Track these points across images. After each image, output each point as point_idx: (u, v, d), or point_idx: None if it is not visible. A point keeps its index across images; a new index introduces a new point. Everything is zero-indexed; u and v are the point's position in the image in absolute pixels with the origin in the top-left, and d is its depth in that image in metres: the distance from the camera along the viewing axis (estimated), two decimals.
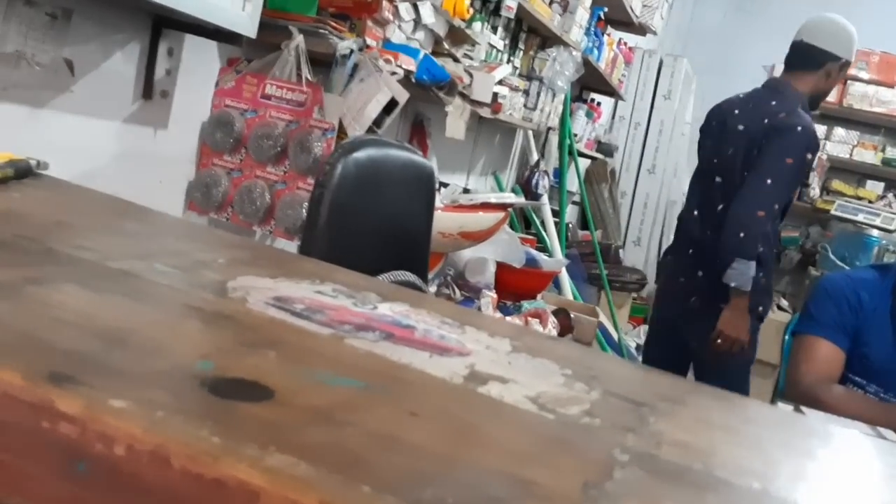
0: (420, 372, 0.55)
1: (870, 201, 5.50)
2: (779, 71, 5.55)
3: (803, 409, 1.63)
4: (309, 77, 1.74)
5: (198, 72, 1.78)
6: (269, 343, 0.53)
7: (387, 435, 0.43)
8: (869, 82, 5.42)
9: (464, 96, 2.50)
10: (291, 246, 1.86)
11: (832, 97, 5.51)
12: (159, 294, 0.58)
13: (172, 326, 0.53)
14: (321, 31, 1.75)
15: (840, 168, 5.68)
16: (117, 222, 0.80)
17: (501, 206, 2.55)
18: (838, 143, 5.64)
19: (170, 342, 0.49)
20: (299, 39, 1.72)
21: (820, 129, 5.64)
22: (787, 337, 2.34)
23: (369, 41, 1.90)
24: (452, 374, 0.56)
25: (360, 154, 1.33)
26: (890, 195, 5.56)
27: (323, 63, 1.80)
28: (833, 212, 5.21)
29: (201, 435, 0.37)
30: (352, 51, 1.78)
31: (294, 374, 0.48)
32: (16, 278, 0.53)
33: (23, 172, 0.83)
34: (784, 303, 5.28)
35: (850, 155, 5.63)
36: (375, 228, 1.45)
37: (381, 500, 0.35)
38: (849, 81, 5.46)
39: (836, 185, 5.70)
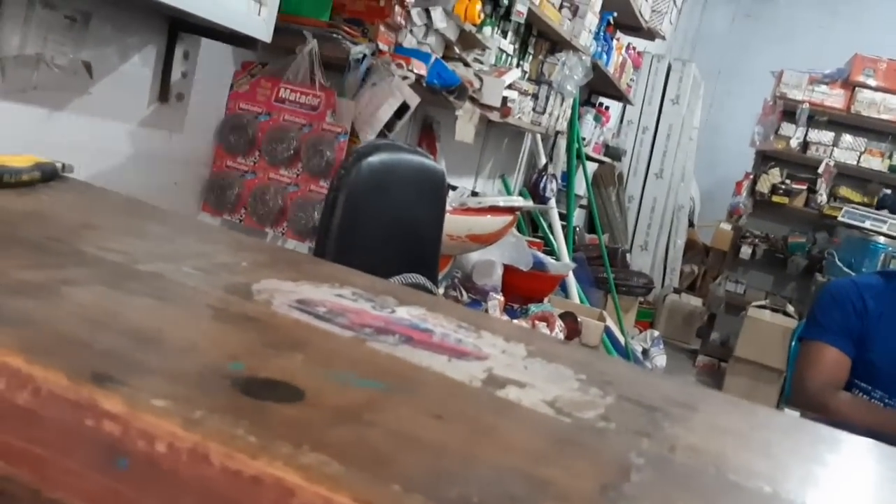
0: (439, 375, 0.57)
1: (876, 208, 5.51)
2: (787, 77, 5.53)
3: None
4: (322, 81, 1.76)
5: (213, 75, 1.80)
6: (295, 345, 0.54)
7: (411, 435, 0.44)
8: (876, 89, 5.42)
9: (473, 100, 2.52)
10: (302, 248, 1.88)
11: (840, 104, 5.51)
12: (187, 296, 0.60)
13: (202, 328, 0.54)
14: (335, 35, 1.77)
15: (847, 175, 5.68)
16: (142, 225, 0.82)
17: (509, 210, 2.56)
18: (846, 150, 5.64)
19: (201, 343, 0.51)
20: (313, 44, 1.74)
21: (827, 136, 5.65)
22: (793, 343, 2.35)
23: (382, 46, 1.92)
24: (471, 378, 0.57)
25: (374, 158, 1.35)
26: None
27: (336, 67, 1.82)
28: (840, 218, 5.21)
29: (238, 434, 0.39)
30: (364, 55, 1.80)
31: (320, 376, 0.50)
32: (49, 279, 0.55)
33: (49, 175, 0.85)
34: (790, 309, 5.28)
35: (858, 162, 5.63)
36: (387, 231, 1.47)
37: (410, 499, 0.37)
38: (856, 88, 5.46)
39: (844, 191, 5.71)
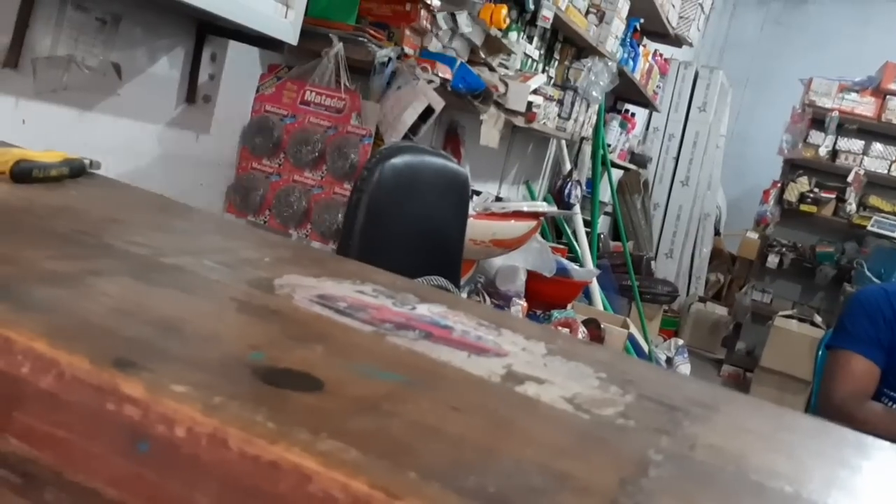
0: (459, 370, 0.57)
1: None
2: (817, 84, 5.48)
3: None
4: (347, 84, 1.77)
5: (239, 77, 1.82)
6: (315, 337, 0.55)
7: (430, 426, 0.44)
8: None
9: (498, 105, 2.52)
10: (326, 250, 1.89)
11: (870, 112, 5.44)
12: (210, 288, 0.61)
13: (224, 319, 0.55)
14: (360, 39, 1.78)
15: (877, 184, 5.61)
16: (167, 220, 0.83)
17: (533, 215, 2.55)
18: (876, 159, 5.57)
19: (222, 333, 0.52)
20: (339, 47, 1.76)
21: (857, 144, 5.58)
22: (819, 352, 2.32)
23: (407, 49, 1.93)
24: (490, 374, 0.57)
25: (398, 160, 1.35)
26: None
27: (361, 70, 1.83)
28: (869, 228, 5.14)
29: (257, 420, 0.39)
30: (390, 59, 1.81)
31: (340, 367, 0.50)
32: (77, 270, 0.56)
33: (77, 171, 0.87)
34: (818, 319, 5.22)
35: (888, 170, 5.56)
36: (410, 233, 1.48)
37: (427, 486, 0.37)
38: (888, 97, 5.39)
39: (874, 200, 5.63)
